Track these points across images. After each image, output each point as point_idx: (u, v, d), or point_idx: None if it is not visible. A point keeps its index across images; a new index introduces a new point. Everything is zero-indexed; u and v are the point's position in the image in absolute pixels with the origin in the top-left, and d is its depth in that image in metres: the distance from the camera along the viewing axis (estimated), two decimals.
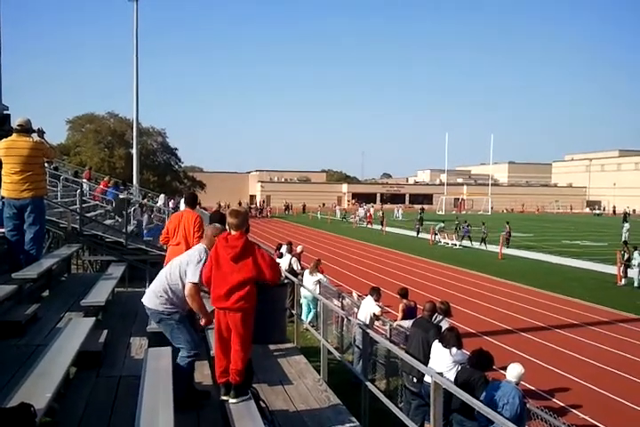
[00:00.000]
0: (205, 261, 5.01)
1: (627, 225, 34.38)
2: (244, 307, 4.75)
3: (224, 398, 4.88)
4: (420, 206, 65.61)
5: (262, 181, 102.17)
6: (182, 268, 5.11)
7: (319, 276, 13.58)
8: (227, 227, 5.09)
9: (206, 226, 6.38)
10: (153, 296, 5.17)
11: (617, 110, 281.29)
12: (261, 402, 4.97)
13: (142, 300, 5.27)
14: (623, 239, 25.41)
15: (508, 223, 30.72)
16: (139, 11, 32.00)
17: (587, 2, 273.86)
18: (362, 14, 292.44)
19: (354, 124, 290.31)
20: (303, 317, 11.62)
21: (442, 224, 37.84)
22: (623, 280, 20.76)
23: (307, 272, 13.81)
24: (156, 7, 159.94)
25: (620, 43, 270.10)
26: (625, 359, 11.66)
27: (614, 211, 79.77)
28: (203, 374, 5.93)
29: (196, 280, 4.99)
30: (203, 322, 5.22)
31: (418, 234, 40.74)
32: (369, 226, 51.00)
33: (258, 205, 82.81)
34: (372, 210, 58.64)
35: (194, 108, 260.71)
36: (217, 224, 5.71)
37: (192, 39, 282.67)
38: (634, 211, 63.68)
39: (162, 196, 27.42)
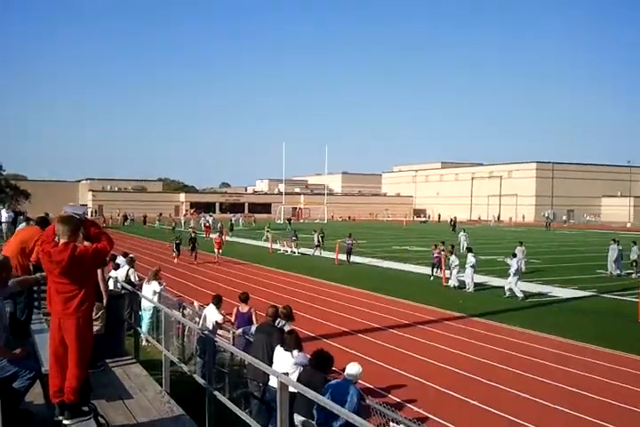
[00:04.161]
0: None
1: (464, 233, 36.00)
2: (78, 315, 4.46)
3: (59, 418, 4.55)
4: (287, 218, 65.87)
5: (94, 191, 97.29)
6: None
7: (154, 284, 13.08)
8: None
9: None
10: None
11: (440, 125, 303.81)
12: (100, 418, 4.70)
13: None
14: (466, 246, 27.16)
15: (350, 235, 31.65)
16: None
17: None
18: (178, 19, 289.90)
19: (191, 134, 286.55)
20: (143, 328, 11.15)
21: (291, 231, 38.04)
22: (449, 282, 22.36)
23: (145, 282, 13.32)
24: None
25: (434, 64, 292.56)
26: (452, 354, 12.54)
27: (439, 218, 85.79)
28: (33, 393, 5.47)
29: None
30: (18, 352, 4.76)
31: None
32: (210, 236, 48.99)
33: (91, 215, 78.39)
34: (210, 220, 57.44)
35: (18, 112, 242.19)
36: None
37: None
38: (455, 218, 68.87)
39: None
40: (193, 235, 31.04)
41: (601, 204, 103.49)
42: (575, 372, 11.32)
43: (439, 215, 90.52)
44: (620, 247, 25.71)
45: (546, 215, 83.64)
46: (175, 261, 29.23)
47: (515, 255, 20.51)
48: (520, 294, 19.37)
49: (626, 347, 13.09)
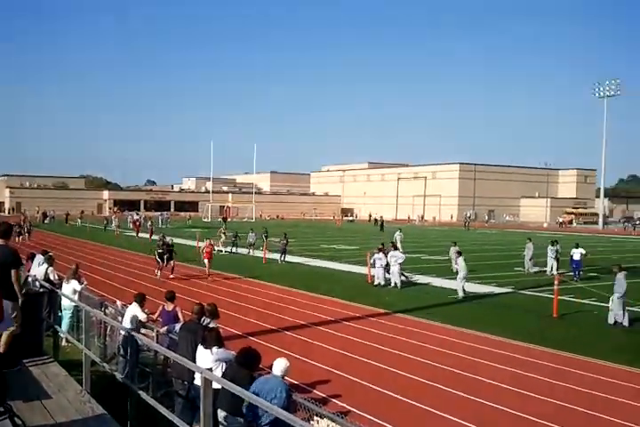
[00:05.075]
0: None
1: (399, 233, 35.71)
2: None
3: None
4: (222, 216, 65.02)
5: (11, 187, 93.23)
6: None
7: (74, 283, 12.60)
8: None
9: None
10: None
11: (369, 125, 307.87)
12: (16, 419, 4.56)
13: None
14: (395, 245, 27.43)
15: (285, 235, 31.56)
16: None
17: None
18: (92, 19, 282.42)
19: (115, 130, 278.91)
20: (63, 328, 10.83)
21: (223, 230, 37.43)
22: (375, 280, 22.73)
23: (64, 280, 12.89)
24: None
25: (365, 65, 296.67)
26: (376, 349, 12.81)
27: (370, 218, 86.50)
28: None
29: None
30: None
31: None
32: (141, 235, 47.24)
33: (9, 212, 75.01)
34: (140, 218, 55.65)
35: None
36: None
37: None
38: (381, 217, 70.07)
39: None
40: (168, 240, 24.93)
41: (520, 204, 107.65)
42: (491, 364, 11.79)
43: (370, 215, 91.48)
44: (557, 248, 26.47)
45: (468, 215, 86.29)
46: (157, 274, 23.20)
47: (460, 254, 20.98)
48: (461, 293, 19.94)
49: (542, 341, 13.71)
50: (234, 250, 34.70)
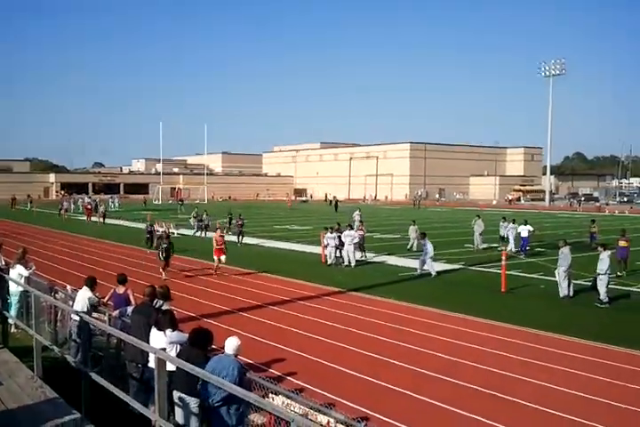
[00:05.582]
0: None
1: (358, 213, 35.22)
2: None
3: None
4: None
5: None
6: None
7: (19, 268, 12.19)
8: None
9: None
10: None
11: (320, 106, 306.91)
12: None
13: None
14: (348, 224, 27.46)
15: (239, 215, 31.33)
16: None
17: None
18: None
19: (61, 111, 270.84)
20: (12, 313, 10.59)
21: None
22: (328, 260, 22.89)
23: (11, 266, 12.54)
24: None
25: (310, 46, 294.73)
26: (330, 327, 12.97)
27: (326, 198, 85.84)
28: None
29: None
30: None
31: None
32: (93, 219, 45.74)
33: None
34: (93, 201, 54.18)
35: None
36: None
37: None
38: (335, 197, 70.31)
39: None
40: (164, 231, 22.32)
41: (469, 182, 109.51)
42: (444, 339, 12.08)
43: (326, 195, 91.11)
44: (515, 225, 26.68)
45: (419, 194, 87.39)
46: (163, 274, 19.26)
47: (424, 235, 21.13)
48: (434, 272, 20.10)
49: (491, 315, 14.10)
50: (203, 234, 32.99)
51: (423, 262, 20.27)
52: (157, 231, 25.60)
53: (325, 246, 23.12)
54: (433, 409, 8.43)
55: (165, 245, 19.30)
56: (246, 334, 11.78)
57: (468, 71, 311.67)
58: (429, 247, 20.02)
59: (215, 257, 20.12)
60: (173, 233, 33.52)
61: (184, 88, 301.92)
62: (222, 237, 20.67)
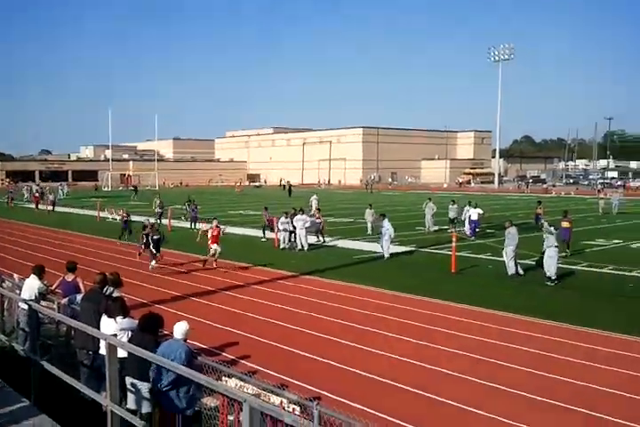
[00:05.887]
0: None
1: (315, 197, 34.25)
2: None
3: None
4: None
5: None
6: None
7: None
8: None
9: None
10: None
11: (270, 90, 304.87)
12: None
13: None
14: (315, 208, 27.42)
15: (193, 201, 30.90)
16: None
17: None
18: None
19: (4, 96, 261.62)
20: None
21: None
22: (282, 244, 22.95)
23: None
24: None
25: (276, 35, 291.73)
26: (282, 310, 13.08)
27: (280, 183, 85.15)
28: None
29: None
30: None
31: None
32: (41, 207, 43.90)
33: None
34: (42, 189, 52.47)
35: None
36: None
37: None
38: (288, 182, 70.16)
39: None
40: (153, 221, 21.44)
41: (421, 166, 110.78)
42: (395, 319, 12.33)
43: (280, 180, 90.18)
44: (462, 207, 27.26)
45: (372, 178, 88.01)
46: (153, 264, 18.09)
47: (384, 216, 21.20)
48: (387, 254, 20.23)
49: (442, 295, 14.42)
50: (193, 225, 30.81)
51: (387, 245, 20.34)
52: (125, 219, 24.91)
53: (279, 231, 23.18)
54: (378, 385, 8.71)
55: (157, 237, 18.18)
56: (199, 319, 11.79)
57: (420, 57, 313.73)
58: (389, 228, 20.14)
59: (213, 246, 18.47)
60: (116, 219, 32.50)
61: (133, 73, 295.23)
62: (218, 227, 19.17)
